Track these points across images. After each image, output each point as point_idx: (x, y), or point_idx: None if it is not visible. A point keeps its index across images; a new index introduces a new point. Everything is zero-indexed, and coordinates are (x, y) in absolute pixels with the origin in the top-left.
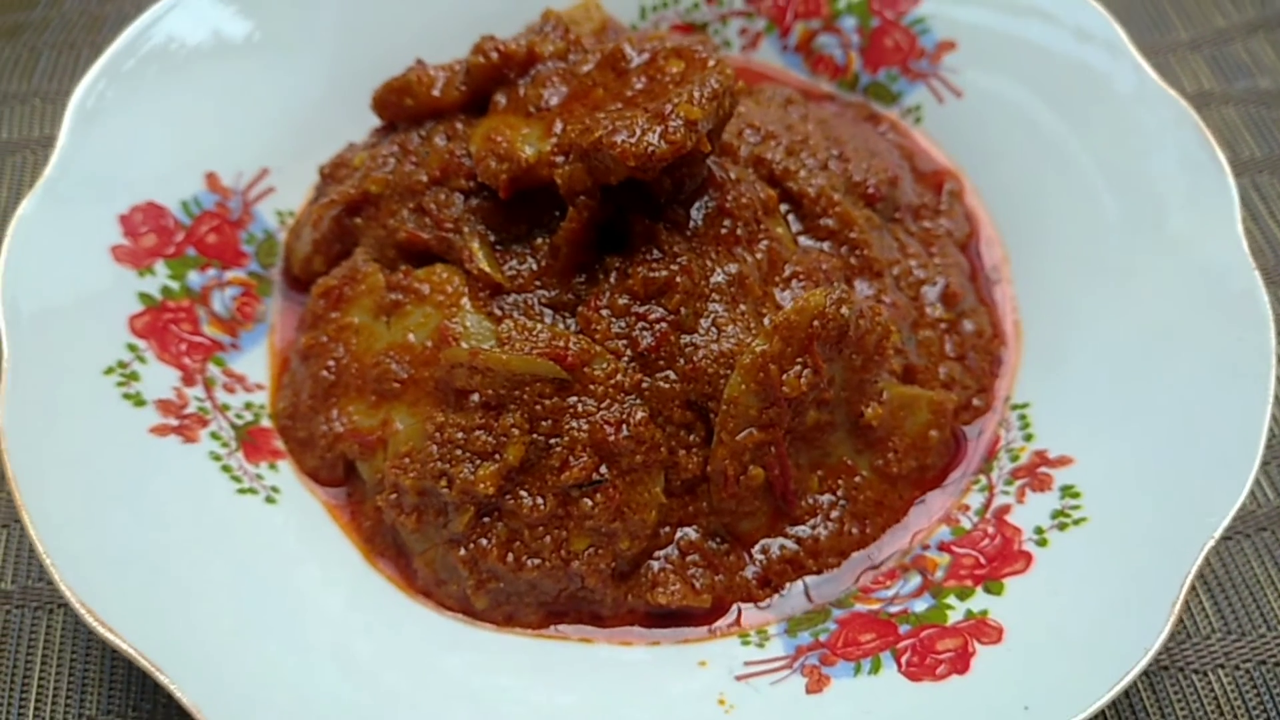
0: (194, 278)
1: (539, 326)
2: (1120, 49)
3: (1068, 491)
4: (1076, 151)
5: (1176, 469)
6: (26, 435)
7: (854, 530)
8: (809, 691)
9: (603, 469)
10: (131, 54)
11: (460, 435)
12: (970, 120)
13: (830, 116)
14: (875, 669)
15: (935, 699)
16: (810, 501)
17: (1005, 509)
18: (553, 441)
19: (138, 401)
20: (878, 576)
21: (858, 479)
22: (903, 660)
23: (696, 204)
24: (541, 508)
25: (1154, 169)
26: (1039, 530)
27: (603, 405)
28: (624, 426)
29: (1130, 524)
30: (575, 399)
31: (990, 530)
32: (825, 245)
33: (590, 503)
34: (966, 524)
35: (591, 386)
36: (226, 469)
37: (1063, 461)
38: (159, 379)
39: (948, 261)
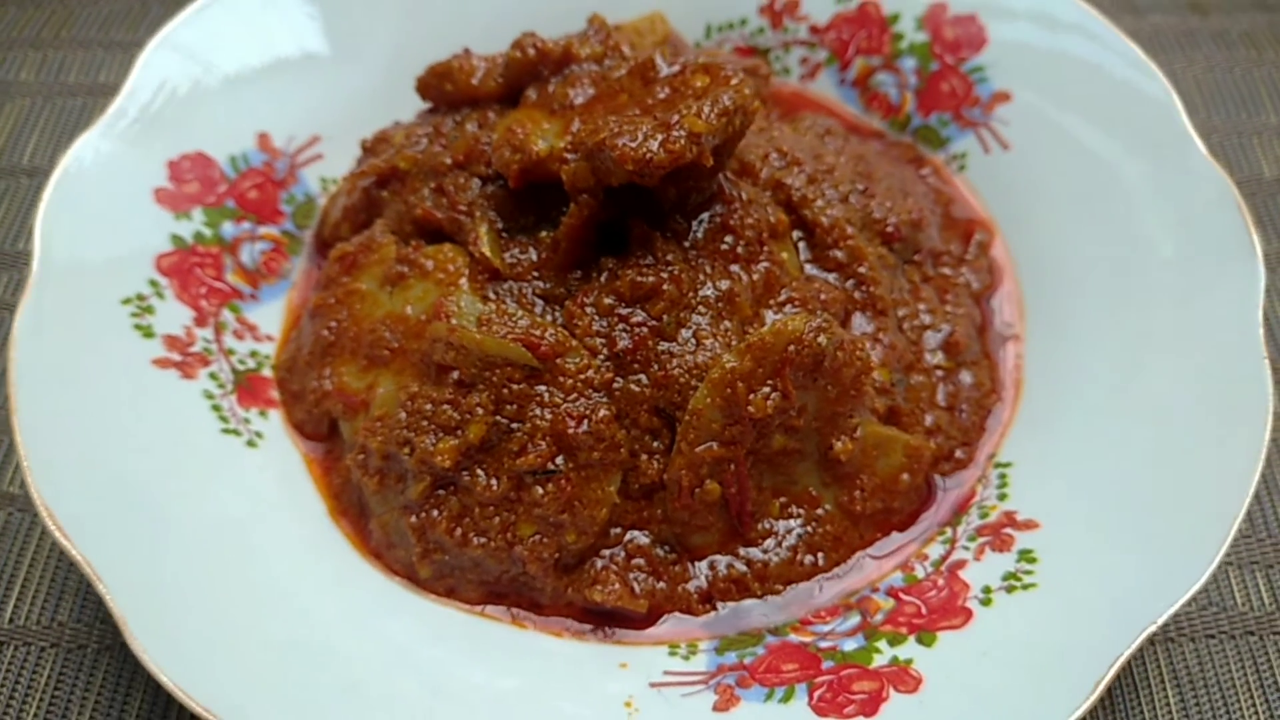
0: (228, 228)
1: (520, 313)
2: (1176, 122)
3: (1025, 555)
4: (1112, 220)
5: (1138, 552)
6: (35, 346)
7: (806, 561)
8: (716, 709)
9: (559, 460)
10: (205, 15)
11: (429, 407)
12: (1013, 174)
13: (871, 153)
14: (787, 698)
15: None
16: (767, 525)
17: (961, 564)
18: (515, 426)
19: (147, 333)
20: (820, 610)
21: (820, 511)
22: (815, 694)
23: (700, 217)
24: (494, 488)
25: (1186, 247)
26: (987, 589)
27: (569, 398)
28: (585, 421)
29: (1077, 598)
30: (543, 388)
31: (940, 582)
32: (832, 276)
33: (542, 491)
34: (920, 573)
35: (561, 379)
36: (216, 409)
37: (1029, 525)
38: (172, 316)
39: (959, 311)
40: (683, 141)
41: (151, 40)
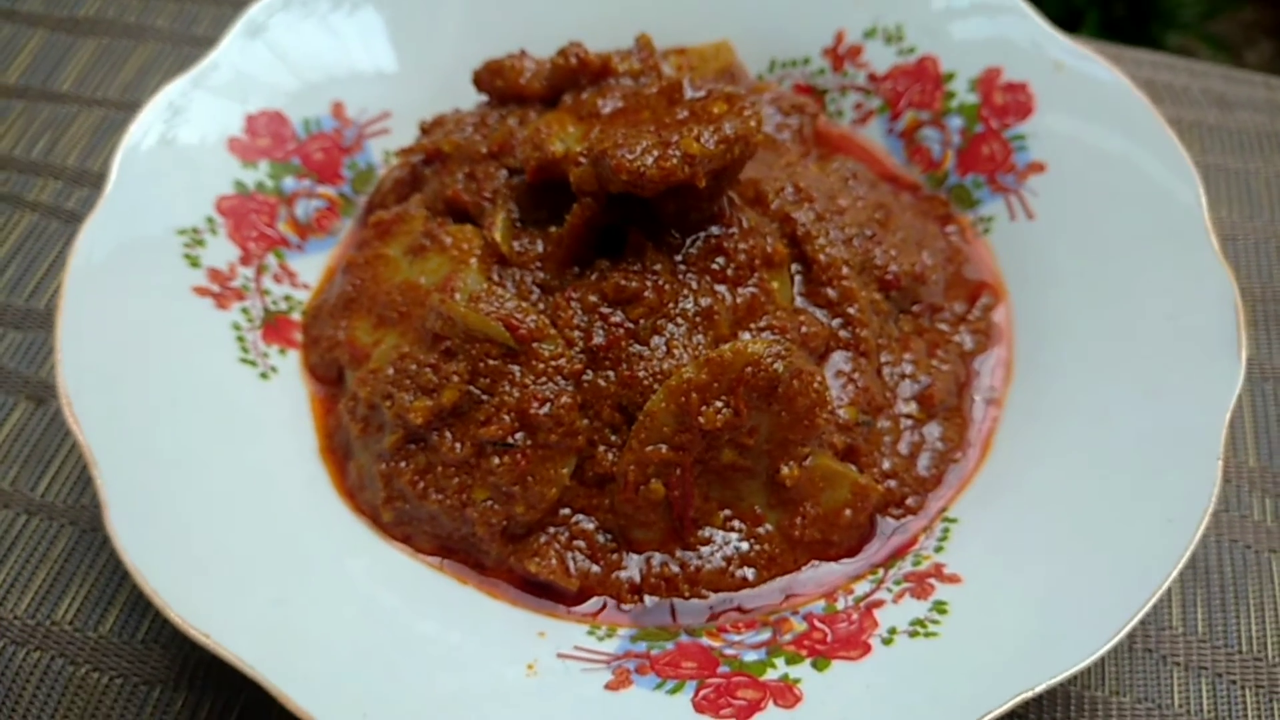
0: (289, 182)
1: (509, 297)
2: (1197, 221)
3: (938, 606)
4: (1111, 304)
5: (1039, 622)
6: (91, 255)
7: (737, 574)
8: (607, 687)
9: (519, 436)
10: None
11: (413, 367)
12: (1032, 244)
13: (896, 203)
14: (674, 691)
15: None
16: (707, 534)
17: (878, 603)
18: (485, 398)
19: (194, 263)
20: (738, 622)
21: (761, 530)
22: (700, 693)
23: (697, 235)
24: (458, 451)
25: (1174, 343)
26: (892, 630)
27: (538, 381)
28: (549, 405)
29: (969, 653)
30: (516, 368)
31: (854, 616)
32: (821, 312)
33: (498, 461)
34: (840, 605)
35: (534, 362)
36: (240, 339)
37: (952, 579)
38: (221, 251)
39: (944, 367)
40: (675, 161)
41: (254, 3)
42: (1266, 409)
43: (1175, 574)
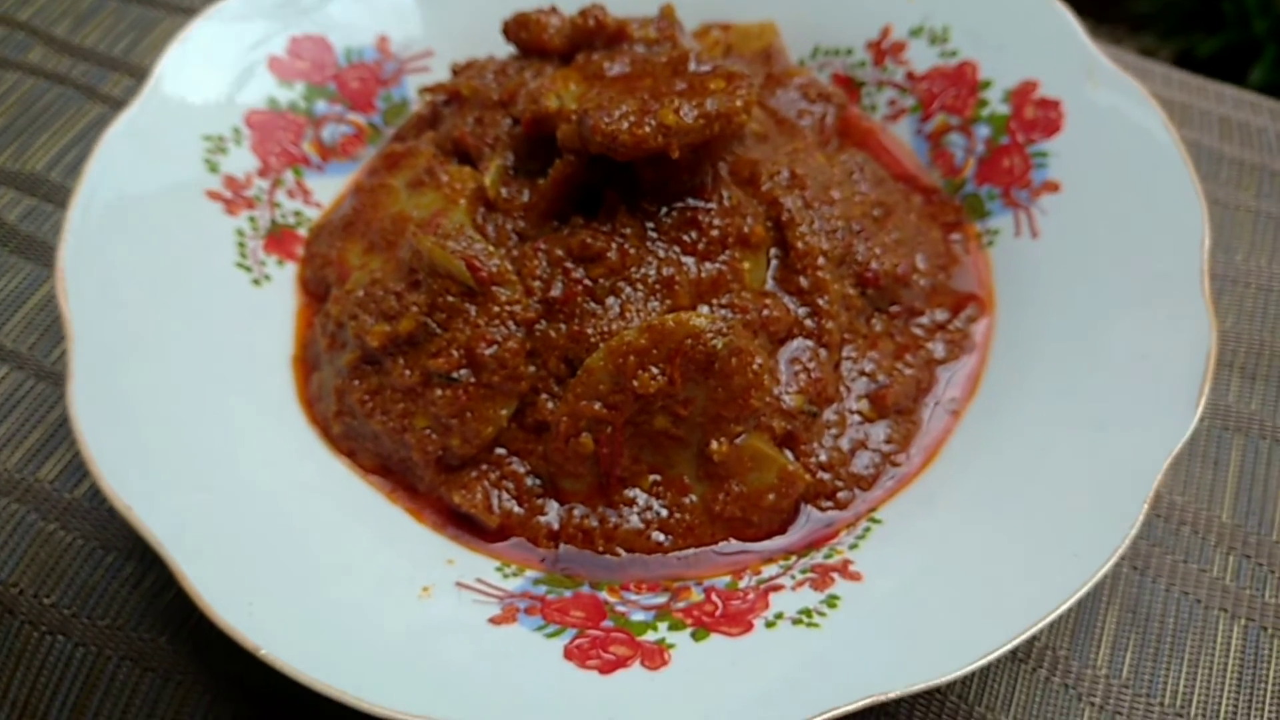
0: (320, 105)
1: (477, 239)
2: (1193, 258)
3: (830, 599)
4: (1087, 335)
5: (913, 634)
6: (116, 149)
7: (654, 538)
8: (490, 620)
9: (463, 371)
10: None
11: (380, 293)
12: (1031, 262)
13: (904, 203)
14: (552, 635)
15: (561, 677)
16: (632, 494)
17: (777, 588)
18: (439, 331)
19: (212, 168)
20: (641, 582)
21: (686, 500)
22: (575, 641)
23: (675, 205)
24: (407, 377)
25: (1135, 382)
26: (779, 615)
27: (490, 322)
28: (495, 346)
29: (837, 650)
30: (473, 307)
31: (750, 596)
32: (790, 300)
33: (441, 393)
34: (743, 583)
35: (490, 305)
36: (241, 246)
37: (853, 576)
38: (241, 160)
39: (907, 371)
40: (650, 129)
41: None
42: (1255, 468)
43: (1059, 612)
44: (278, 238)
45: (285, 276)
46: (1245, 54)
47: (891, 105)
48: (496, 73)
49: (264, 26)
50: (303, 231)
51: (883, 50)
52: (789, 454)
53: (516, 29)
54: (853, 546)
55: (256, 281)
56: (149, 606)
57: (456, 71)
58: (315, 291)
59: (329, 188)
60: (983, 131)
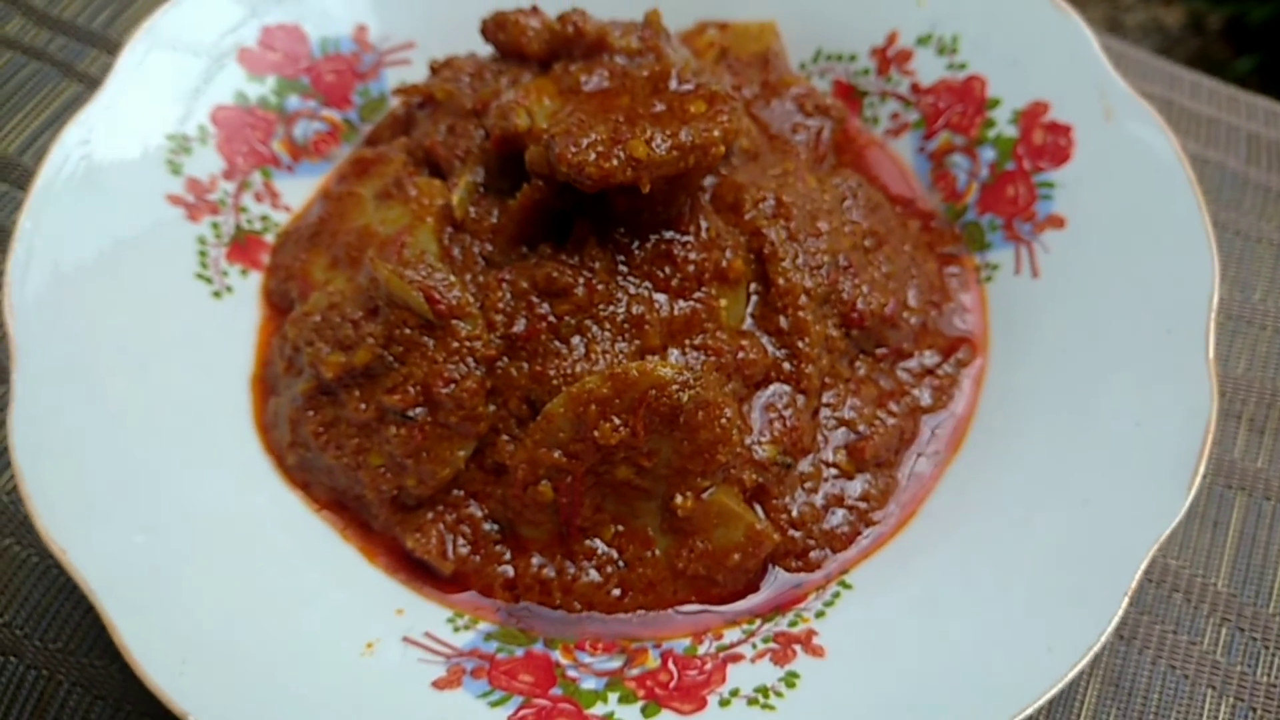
0: (293, 101)
1: (438, 267)
2: (1199, 314)
3: (789, 677)
4: (1084, 391)
5: (876, 710)
6: (72, 152)
7: (612, 592)
8: (434, 684)
9: (419, 410)
10: None
11: (338, 319)
12: (1029, 304)
13: (899, 231)
14: (497, 703)
15: None
16: (592, 545)
17: (737, 657)
18: (396, 365)
19: (175, 169)
20: (596, 640)
21: (648, 553)
22: (520, 712)
23: (648, 238)
24: (362, 411)
25: (1129, 453)
26: (734, 692)
27: (449, 358)
28: (453, 385)
29: None
30: (430, 341)
31: (708, 666)
32: (768, 340)
33: (395, 430)
34: (702, 648)
35: (449, 339)
36: (202, 254)
37: (816, 651)
38: (205, 161)
39: (890, 421)
40: (617, 162)
41: None
42: (1257, 531)
43: (1027, 713)
44: (242, 245)
45: (249, 288)
46: None
47: (894, 119)
48: (473, 76)
49: (234, 14)
50: (269, 238)
51: (888, 58)
52: (759, 509)
53: (494, 29)
54: (819, 614)
55: (217, 294)
56: (101, 632)
57: (435, 69)
58: (279, 305)
59: (299, 190)
60: (988, 154)
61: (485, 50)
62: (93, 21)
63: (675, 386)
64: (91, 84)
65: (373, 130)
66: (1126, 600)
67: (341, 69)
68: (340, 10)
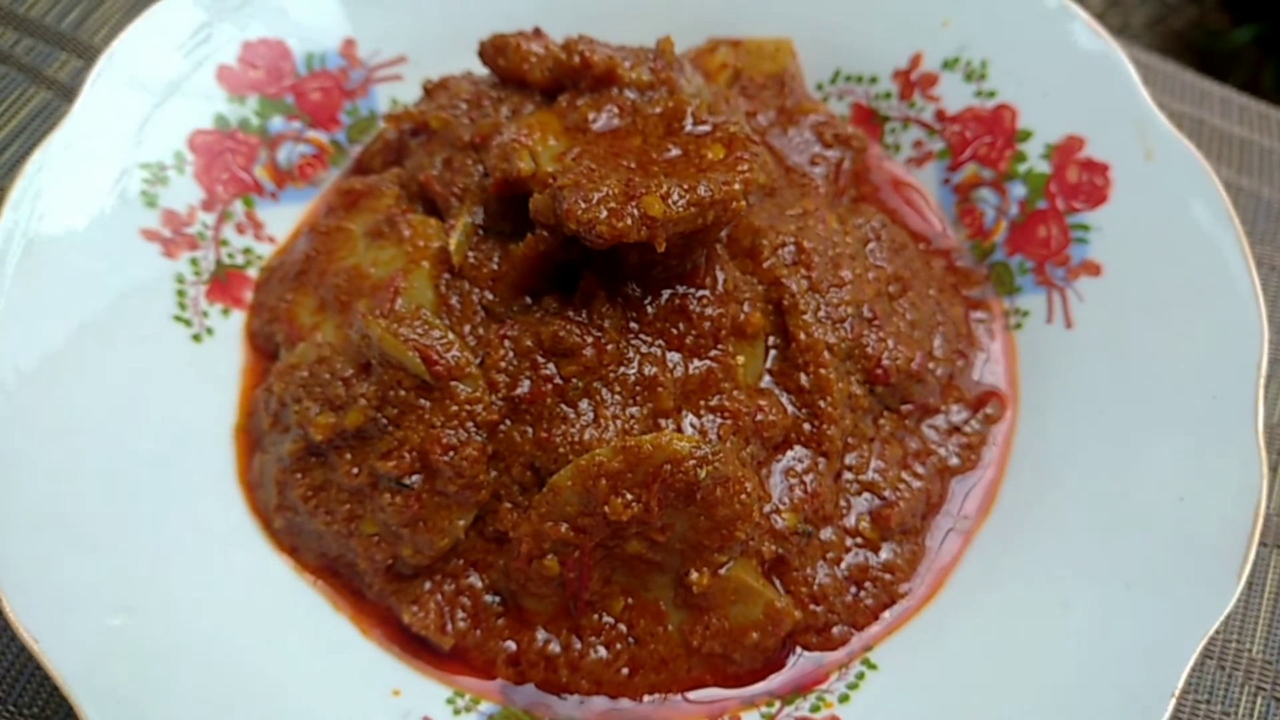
0: (276, 122)
1: (435, 323)
2: (1247, 379)
3: None
4: (1128, 463)
5: None
6: (39, 185)
7: (622, 671)
8: None
9: (416, 478)
10: None
11: (327, 376)
12: (1062, 357)
13: (923, 272)
14: None
15: None
16: (600, 619)
17: None
18: (390, 429)
19: (150, 201)
20: None
21: (660, 629)
22: None
23: (662, 293)
24: (355, 476)
25: (1175, 532)
26: None
27: (447, 423)
28: (453, 452)
29: None
30: (427, 404)
31: None
32: (787, 398)
33: (390, 498)
34: None
35: (447, 401)
36: (180, 294)
37: None
38: (183, 191)
39: (916, 484)
40: (631, 221)
41: None
42: None
43: None
44: (223, 282)
45: (231, 329)
46: None
47: (917, 147)
48: (470, 103)
49: (212, 28)
50: (252, 273)
51: (911, 82)
52: (778, 584)
53: (494, 54)
54: (843, 698)
55: (197, 336)
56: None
57: (429, 91)
58: (263, 348)
59: (284, 219)
60: (1018, 191)
61: (483, 67)
62: (61, 21)
63: (693, 462)
64: (61, 91)
65: (362, 154)
66: (1174, 702)
67: (328, 86)
68: (326, 23)
